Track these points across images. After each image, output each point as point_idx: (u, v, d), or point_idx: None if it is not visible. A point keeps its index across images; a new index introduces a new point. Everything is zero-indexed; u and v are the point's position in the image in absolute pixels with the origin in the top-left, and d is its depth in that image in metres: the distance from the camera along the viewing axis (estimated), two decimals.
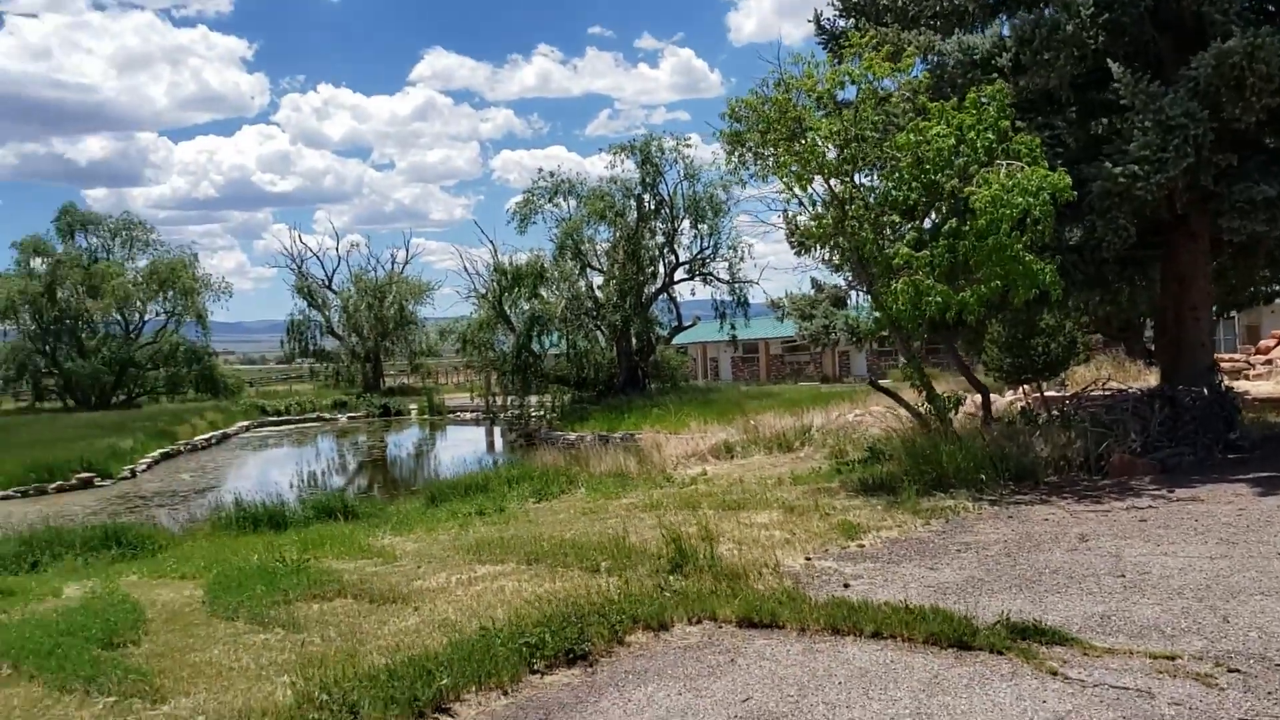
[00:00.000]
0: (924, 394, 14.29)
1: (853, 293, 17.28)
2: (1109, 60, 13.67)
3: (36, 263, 62.57)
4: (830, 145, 13.05)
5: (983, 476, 12.47)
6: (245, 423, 52.63)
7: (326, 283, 71.31)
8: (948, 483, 12.26)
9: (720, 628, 7.25)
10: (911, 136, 12.75)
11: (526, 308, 44.43)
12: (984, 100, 12.95)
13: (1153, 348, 24.71)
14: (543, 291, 44.66)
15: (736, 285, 44.87)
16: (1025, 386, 19.08)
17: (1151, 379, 21.56)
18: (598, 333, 45.48)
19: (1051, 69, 13.89)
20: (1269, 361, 31.72)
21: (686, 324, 47.38)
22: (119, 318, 64.63)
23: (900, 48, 14.34)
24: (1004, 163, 12.44)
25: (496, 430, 46.70)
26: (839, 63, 13.88)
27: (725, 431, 25.07)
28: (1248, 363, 32.14)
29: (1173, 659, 6.16)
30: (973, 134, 12.68)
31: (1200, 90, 13.05)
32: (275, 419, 56.13)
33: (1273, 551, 8.95)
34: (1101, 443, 13.39)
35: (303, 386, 72.68)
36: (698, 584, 8.31)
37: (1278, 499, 11.47)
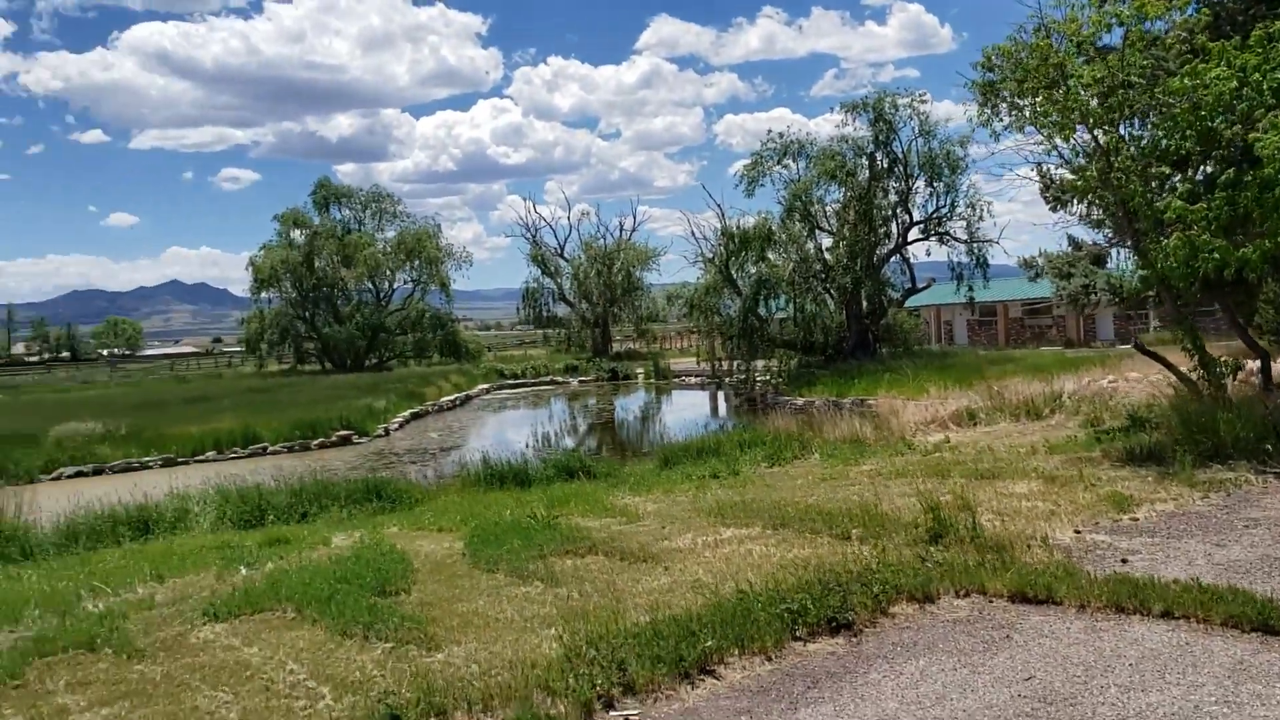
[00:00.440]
0: (1196, 358, 13.21)
1: (1114, 250, 16.13)
2: None
3: (296, 234, 66.98)
4: (1093, 93, 12.16)
5: (1268, 447, 11.44)
6: (485, 385, 54.76)
7: (559, 251, 73.27)
8: (1225, 453, 11.32)
9: (990, 602, 6.92)
10: (1186, 81, 11.72)
11: (753, 271, 44.14)
12: (1273, 37, 11.75)
13: None
14: (770, 254, 44.26)
15: (975, 245, 43.07)
16: None
17: None
18: (826, 296, 44.71)
19: None
20: None
21: (920, 286, 45.92)
22: (370, 286, 68.51)
23: None
24: None
25: (720, 395, 46.79)
26: (1104, 4, 12.90)
27: (966, 398, 24.13)
28: None
29: None
30: (1257, 75, 11.53)
31: None
32: (512, 382, 58.18)
33: None
34: None
35: (536, 351, 75.05)
36: (960, 555, 7.97)
37: None
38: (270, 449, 30.84)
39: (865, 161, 43.32)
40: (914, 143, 42.98)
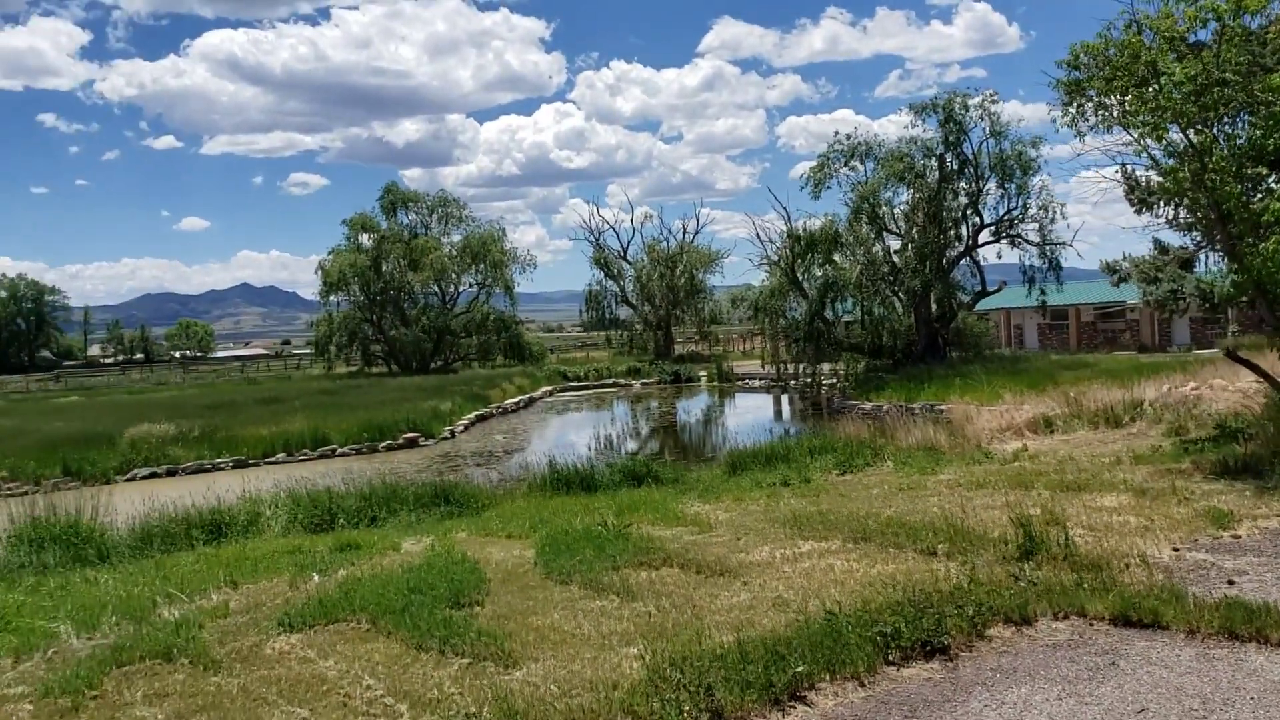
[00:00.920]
0: None
1: (1201, 254, 15.57)
2: None
3: (364, 238, 67.68)
4: (1185, 91, 11.68)
5: None
6: (549, 388, 54.83)
7: (622, 253, 73.18)
8: None
9: (1091, 625, 6.60)
10: None
11: (819, 274, 43.62)
12: None
13: None
14: (836, 257, 43.72)
15: (1048, 247, 42.13)
16: None
17: None
18: (894, 299, 44.04)
19: None
20: None
21: (990, 289, 45.05)
22: (436, 289, 69.00)
23: None
24: None
25: (785, 398, 46.32)
26: None
27: (1042, 404, 23.56)
28: None
29: None
30: None
31: None
32: (575, 384, 58.20)
33: None
34: None
35: (598, 354, 75.06)
36: (1055, 574, 7.64)
37: None
38: (339, 451, 31.08)
39: (934, 163, 42.62)
40: (985, 144, 42.23)
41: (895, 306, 44.16)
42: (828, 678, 5.92)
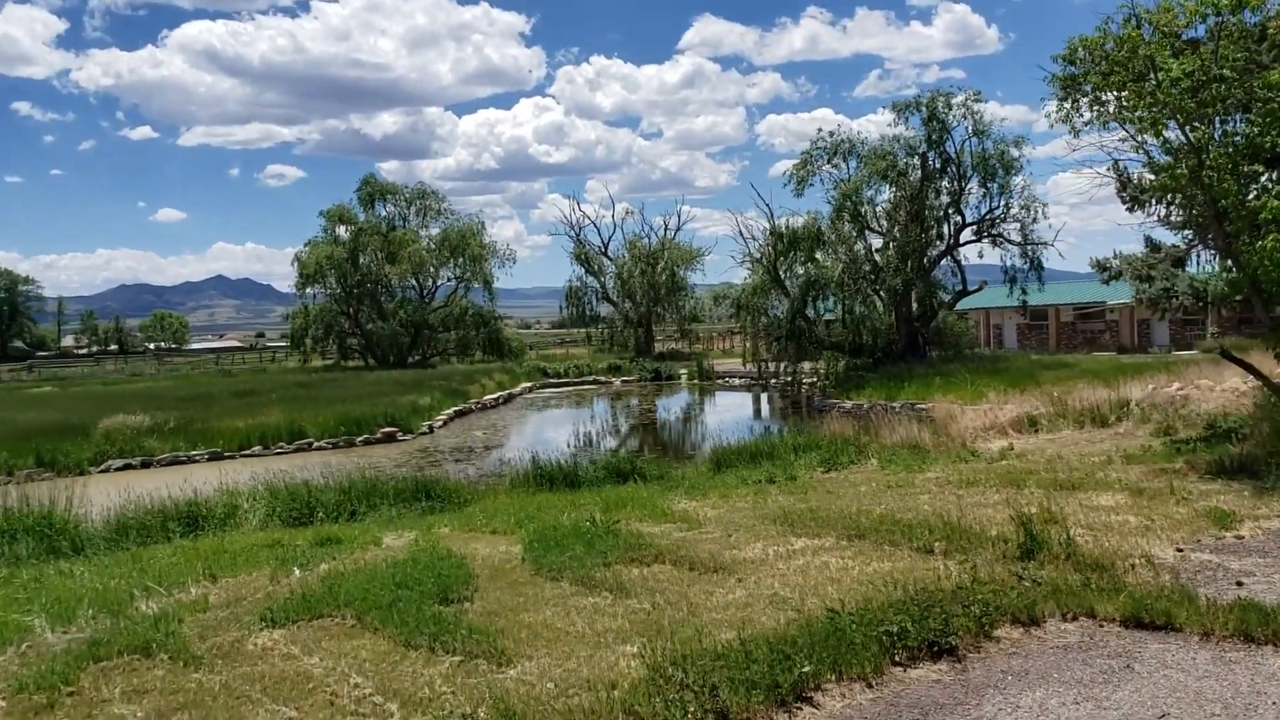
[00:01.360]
0: None
1: (1193, 253, 15.49)
2: None
3: (341, 230, 67.12)
4: (1183, 87, 11.56)
5: None
6: (528, 384, 54.49)
7: (603, 249, 72.79)
8: None
9: (1101, 627, 6.44)
10: None
11: (801, 272, 43.56)
12: None
13: None
14: (818, 255, 43.66)
15: (1030, 247, 42.16)
16: None
17: None
18: (875, 297, 44.01)
19: None
20: None
21: (971, 288, 45.09)
22: (414, 282, 68.51)
23: None
24: None
25: (765, 397, 46.21)
26: None
27: (1026, 403, 23.52)
28: None
29: None
30: None
31: None
32: (555, 381, 57.86)
33: None
34: None
35: (578, 350, 74.72)
36: (1058, 574, 7.48)
37: None
38: (315, 444, 30.70)
39: (917, 161, 42.61)
40: (967, 143, 42.25)
41: (876, 305, 44.13)
42: (833, 678, 5.74)
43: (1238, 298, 12.96)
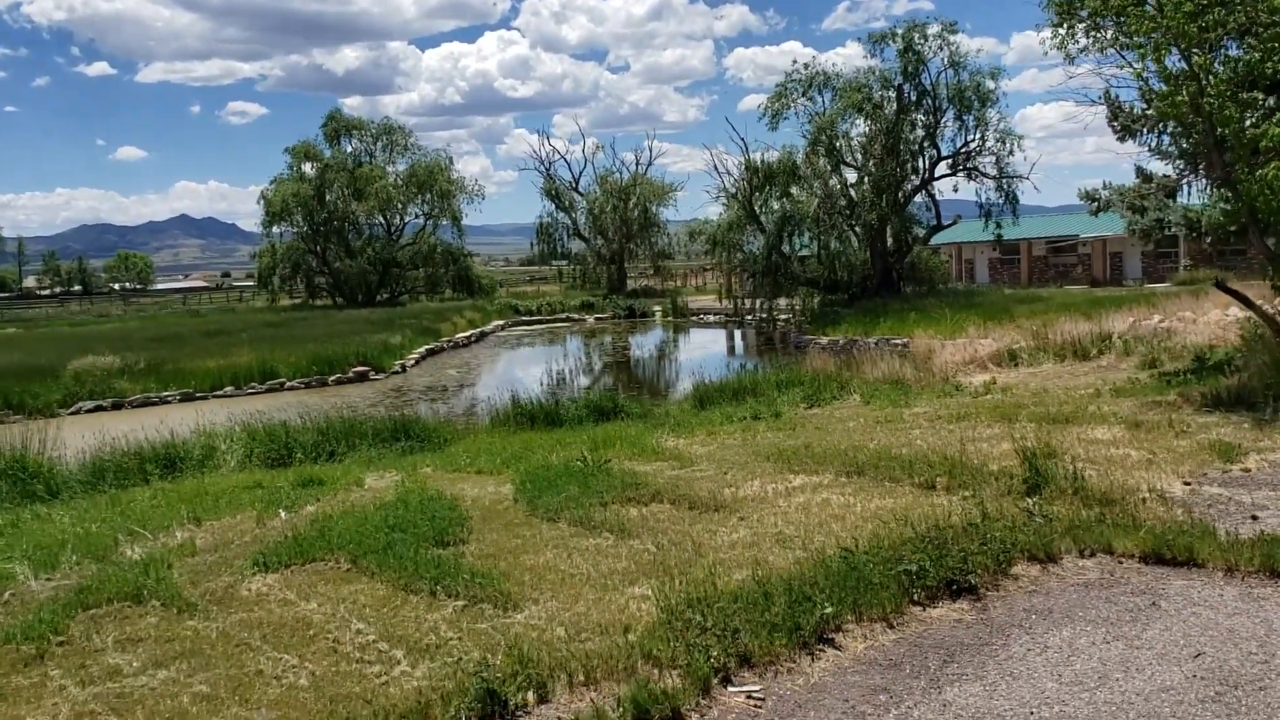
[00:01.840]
0: None
1: (1185, 183, 15.35)
2: None
3: (307, 167, 65.88)
4: (1184, 11, 11.28)
5: None
6: (500, 322, 54.11)
7: (573, 185, 71.92)
8: None
9: (1120, 563, 6.33)
10: None
11: (777, 207, 43.19)
12: None
13: None
14: (794, 190, 43.26)
15: (1005, 180, 41.97)
16: None
17: None
18: (850, 233, 43.74)
19: None
20: None
21: (946, 223, 44.91)
22: (381, 219, 67.50)
23: None
24: None
25: (741, 333, 46.07)
26: None
27: (1004, 337, 23.51)
28: None
29: None
30: None
31: None
32: (527, 319, 57.50)
33: None
34: None
35: (549, 288, 74.14)
36: (1069, 510, 7.37)
37: None
38: (288, 384, 30.35)
39: (893, 94, 42.11)
40: (943, 74, 41.77)
41: (851, 241, 43.87)
42: (853, 619, 5.59)
43: (1233, 228, 12.79)
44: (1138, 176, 16.28)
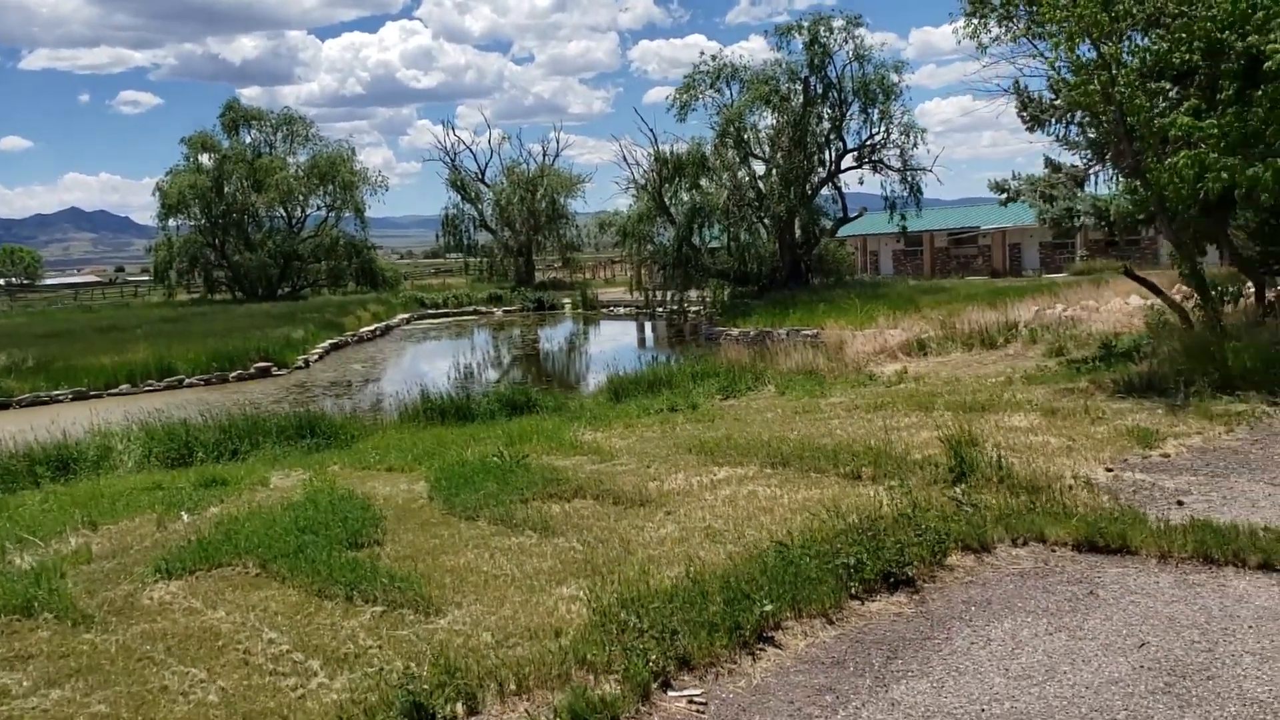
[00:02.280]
0: (1193, 284, 12.71)
1: (1091, 173, 15.63)
2: None
3: (204, 158, 64.01)
4: (1095, 0, 11.38)
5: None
6: (405, 315, 53.20)
7: (479, 176, 70.98)
8: (1232, 384, 10.85)
9: (1053, 551, 6.28)
10: None
11: (686, 199, 43.19)
12: None
13: None
14: (703, 182, 43.29)
15: (909, 173, 42.59)
16: None
17: None
18: (760, 225, 43.95)
19: None
20: None
21: (852, 215, 45.39)
22: (282, 212, 65.91)
23: None
24: None
25: (653, 326, 46.00)
26: None
27: (912, 327, 23.77)
28: None
29: None
30: None
31: None
32: (433, 312, 56.62)
33: None
34: None
35: (455, 280, 73.12)
36: (997, 498, 7.33)
37: None
38: (187, 381, 29.38)
39: (799, 86, 42.37)
40: (848, 68, 42.20)
41: (761, 233, 44.08)
42: (792, 616, 5.43)
43: (1140, 217, 13.01)
44: (1046, 166, 16.53)
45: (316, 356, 35.53)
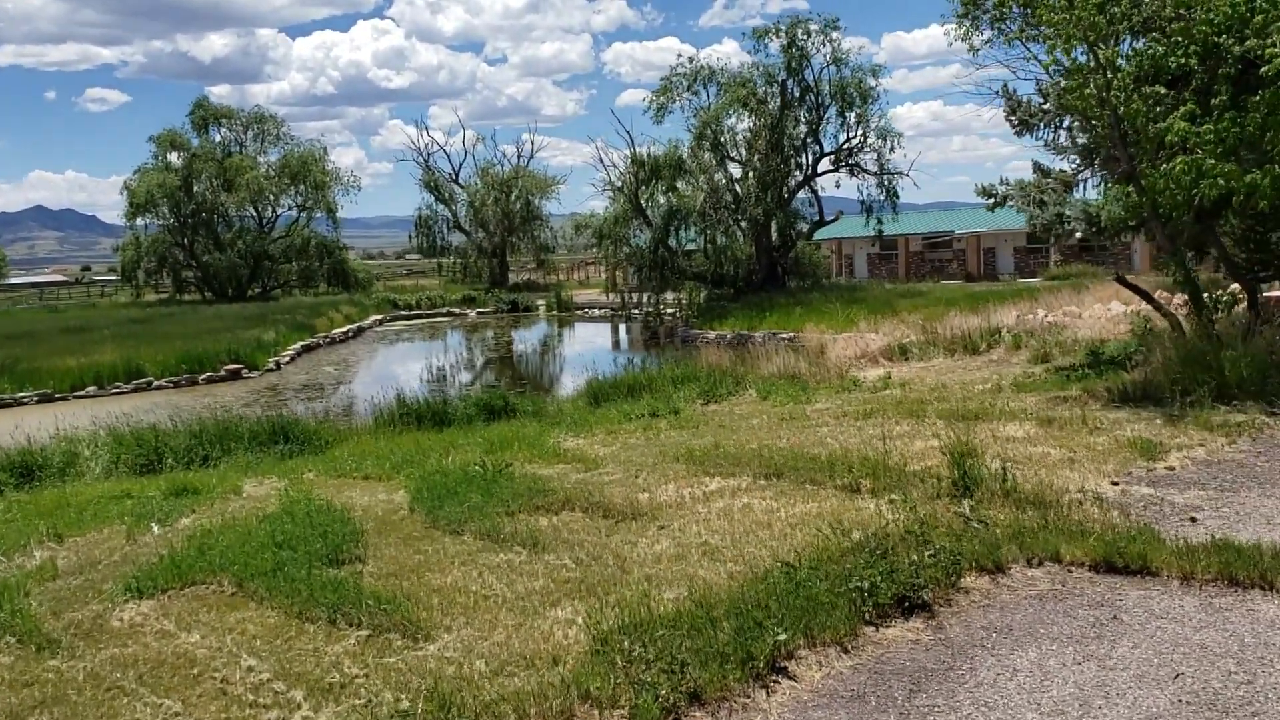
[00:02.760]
0: (1186, 291, 12.54)
1: (1079, 178, 15.49)
2: None
3: (173, 157, 63.23)
4: (1092, 2, 11.19)
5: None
6: (378, 317, 52.67)
7: (453, 177, 70.46)
8: (1229, 393, 10.68)
9: (1070, 572, 6.02)
10: None
11: (663, 201, 43.00)
12: None
13: None
14: (680, 184, 43.10)
15: (886, 177, 42.57)
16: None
17: None
18: (736, 228, 43.79)
19: None
20: None
21: (829, 218, 45.32)
22: (253, 211, 65.22)
23: None
24: None
25: (630, 328, 45.72)
26: None
27: (893, 331, 23.61)
28: None
29: None
30: None
31: None
32: (406, 314, 56.11)
33: None
34: None
35: (428, 281, 72.58)
36: (1005, 514, 7.08)
37: None
38: (155, 383, 28.88)
39: (776, 89, 42.26)
40: (825, 71, 42.14)
41: (737, 236, 43.95)
42: (805, 645, 5.14)
43: (1132, 223, 12.85)
44: (1035, 171, 16.39)
45: (288, 359, 35.06)
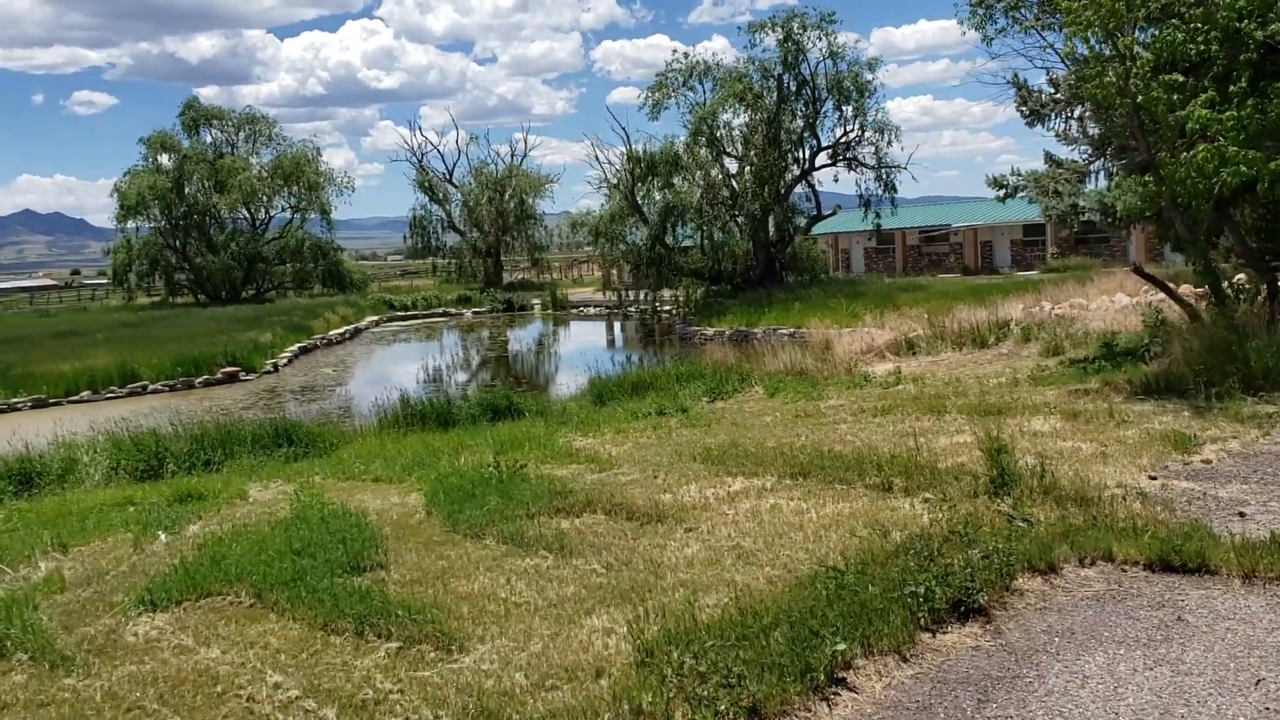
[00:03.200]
0: (1206, 280, 12.35)
1: (1090, 169, 15.29)
2: None
3: (164, 159, 62.79)
4: None
5: None
6: (374, 317, 52.37)
7: (447, 177, 70.11)
8: (1255, 384, 10.48)
9: (1124, 571, 5.81)
10: None
11: (659, 198, 42.76)
12: None
13: None
14: (676, 181, 42.86)
15: (884, 170, 42.35)
16: None
17: None
18: (733, 224, 43.55)
19: None
20: None
21: (826, 213, 45.11)
22: (245, 213, 64.81)
23: None
24: None
25: (626, 326, 45.50)
26: None
27: (899, 326, 23.41)
28: None
29: None
30: None
31: None
32: (402, 314, 55.82)
33: None
34: None
35: (423, 282, 72.24)
36: (1050, 511, 6.86)
37: None
38: (151, 387, 28.60)
39: (773, 84, 42.02)
40: (822, 65, 41.91)
41: (734, 231, 43.72)
42: (861, 654, 4.91)
43: (1148, 214, 12.65)
44: (1047, 162, 16.20)
45: (285, 360, 34.80)
